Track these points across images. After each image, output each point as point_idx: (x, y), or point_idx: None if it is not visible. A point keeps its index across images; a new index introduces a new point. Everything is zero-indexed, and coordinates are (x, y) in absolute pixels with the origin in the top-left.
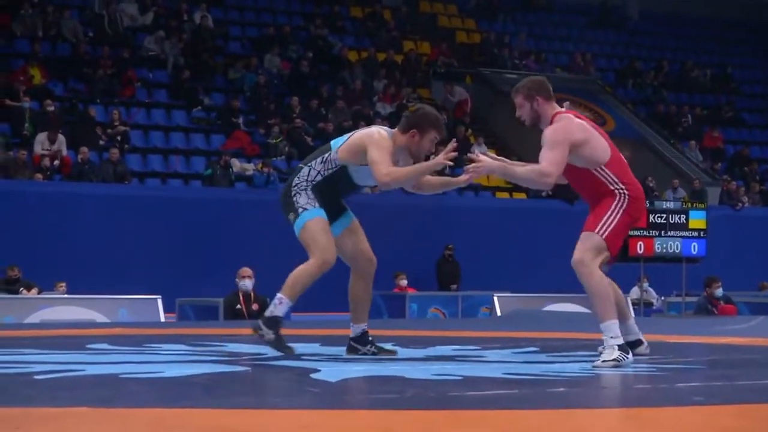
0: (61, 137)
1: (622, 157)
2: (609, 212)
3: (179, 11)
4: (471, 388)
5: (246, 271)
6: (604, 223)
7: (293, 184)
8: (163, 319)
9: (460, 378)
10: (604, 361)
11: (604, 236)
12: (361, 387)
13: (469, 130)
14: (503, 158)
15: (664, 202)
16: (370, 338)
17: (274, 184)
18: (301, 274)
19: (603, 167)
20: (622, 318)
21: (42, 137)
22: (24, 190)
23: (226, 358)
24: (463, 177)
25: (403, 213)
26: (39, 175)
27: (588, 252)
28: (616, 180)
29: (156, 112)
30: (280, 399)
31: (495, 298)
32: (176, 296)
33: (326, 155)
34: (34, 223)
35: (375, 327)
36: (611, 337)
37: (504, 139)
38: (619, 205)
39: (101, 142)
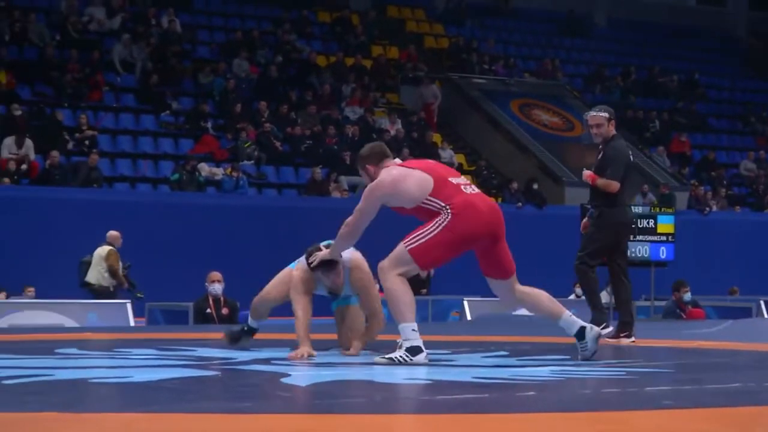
0: (28, 141)
1: (450, 179)
2: (424, 229)
3: (147, 15)
4: (440, 392)
5: (215, 275)
6: (414, 238)
7: None
8: (132, 324)
9: (429, 382)
10: (388, 357)
11: (408, 249)
12: (330, 391)
13: (439, 135)
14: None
15: (633, 207)
16: None
17: (243, 188)
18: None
19: (428, 198)
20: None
21: (9, 141)
22: None
23: (196, 363)
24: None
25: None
26: (6, 180)
27: (390, 261)
28: (442, 203)
29: (124, 116)
30: (249, 403)
31: (465, 303)
32: (146, 300)
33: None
34: (2, 227)
35: (333, 331)
36: (405, 339)
37: (472, 144)
38: (438, 223)
39: (69, 147)
